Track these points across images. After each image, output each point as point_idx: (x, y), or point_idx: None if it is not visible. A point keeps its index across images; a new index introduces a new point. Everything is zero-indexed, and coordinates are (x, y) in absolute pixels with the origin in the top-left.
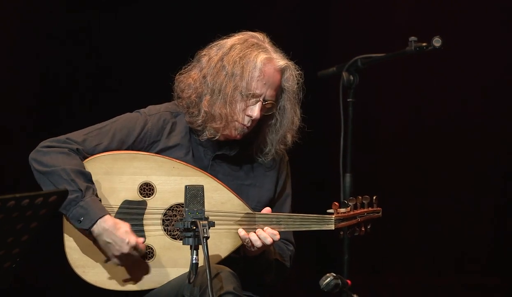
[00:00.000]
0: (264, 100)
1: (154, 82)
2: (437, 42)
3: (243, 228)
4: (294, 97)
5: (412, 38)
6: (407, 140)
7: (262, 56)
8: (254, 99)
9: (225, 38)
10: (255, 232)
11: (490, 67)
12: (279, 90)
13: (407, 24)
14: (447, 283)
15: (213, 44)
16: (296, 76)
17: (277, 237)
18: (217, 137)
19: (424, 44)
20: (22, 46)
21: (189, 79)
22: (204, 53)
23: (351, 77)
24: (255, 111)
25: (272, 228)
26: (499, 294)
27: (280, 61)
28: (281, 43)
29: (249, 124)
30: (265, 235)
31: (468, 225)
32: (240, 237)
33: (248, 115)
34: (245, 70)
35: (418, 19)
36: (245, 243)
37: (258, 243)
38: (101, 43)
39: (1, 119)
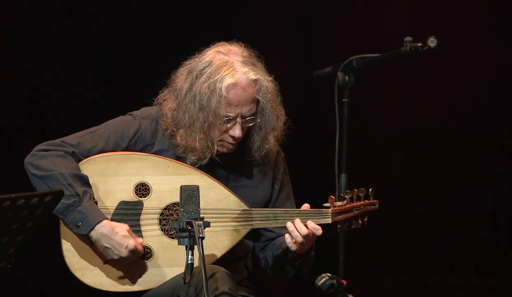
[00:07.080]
0: (242, 117)
1: (147, 86)
2: (432, 42)
3: (241, 225)
4: (271, 104)
5: (407, 38)
6: (401, 140)
7: (226, 82)
8: (232, 122)
9: (194, 58)
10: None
11: (483, 68)
12: (256, 101)
13: (402, 24)
14: (441, 283)
15: (184, 66)
16: (268, 84)
17: (320, 232)
18: (198, 165)
19: (419, 44)
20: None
21: (166, 108)
22: (176, 76)
23: (346, 77)
24: (236, 131)
25: (269, 224)
26: (493, 294)
27: (250, 74)
28: (276, 43)
29: (234, 142)
30: (307, 232)
31: (462, 225)
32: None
33: (231, 136)
34: (212, 100)
35: (413, 19)
36: (294, 238)
37: (299, 239)
38: (96, 46)
39: None
